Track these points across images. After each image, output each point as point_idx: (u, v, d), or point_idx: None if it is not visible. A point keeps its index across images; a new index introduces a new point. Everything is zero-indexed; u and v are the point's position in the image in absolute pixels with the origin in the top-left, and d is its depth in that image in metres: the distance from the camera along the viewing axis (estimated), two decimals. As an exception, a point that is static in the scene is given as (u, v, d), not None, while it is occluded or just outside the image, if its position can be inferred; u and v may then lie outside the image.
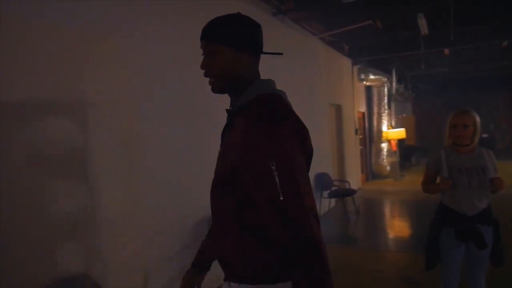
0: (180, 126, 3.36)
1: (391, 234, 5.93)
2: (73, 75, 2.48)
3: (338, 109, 8.19)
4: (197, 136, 3.56)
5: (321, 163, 6.76)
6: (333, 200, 7.01)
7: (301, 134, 1.15)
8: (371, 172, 10.47)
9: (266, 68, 5.26)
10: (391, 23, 7.14)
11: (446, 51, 8.84)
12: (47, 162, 2.31)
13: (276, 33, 5.48)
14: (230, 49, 1.19)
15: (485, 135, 16.88)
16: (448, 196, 2.57)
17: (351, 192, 6.61)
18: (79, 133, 2.53)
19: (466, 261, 2.57)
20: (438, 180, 2.63)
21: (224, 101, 1.35)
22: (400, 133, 10.39)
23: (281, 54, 1.33)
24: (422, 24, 6.30)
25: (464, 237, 2.47)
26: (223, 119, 1.34)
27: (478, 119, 2.55)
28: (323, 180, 6.49)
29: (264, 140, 1.06)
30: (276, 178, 1.02)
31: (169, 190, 3.20)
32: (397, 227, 6.40)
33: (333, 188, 6.59)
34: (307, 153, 1.20)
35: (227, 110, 1.29)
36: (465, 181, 2.48)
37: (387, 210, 7.76)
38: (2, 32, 2.08)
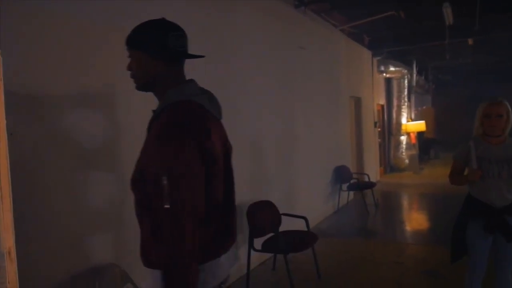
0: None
1: (410, 227, 5.90)
2: (103, 68, 2.53)
3: (358, 101, 8.11)
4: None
5: (340, 156, 6.74)
6: (351, 193, 6.99)
7: (203, 145, 1.23)
8: (389, 165, 10.38)
9: (288, 60, 5.23)
10: (415, 13, 6.99)
11: (470, 41, 8.62)
12: (80, 155, 2.37)
13: (298, 25, 5.44)
14: (142, 54, 1.31)
15: (507, 128, 16.48)
16: (476, 188, 2.54)
17: (370, 185, 6.58)
18: (109, 126, 2.58)
19: (493, 254, 2.55)
20: (466, 171, 2.61)
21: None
22: (420, 125, 10.24)
23: (203, 56, 1.41)
24: (448, 13, 6.16)
25: (492, 229, 2.45)
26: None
27: (510, 109, 2.51)
28: (342, 173, 6.47)
29: (163, 151, 1.18)
30: (166, 188, 1.14)
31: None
32: (416, 219, 6.36)
33: (352, 181, 6.56)
34: (213, 159, 1.27)
35: (153, 111, 1.39)
36: (495, 172, 2.45)
37: (406, 203, 7.70)
38: (37, 28, 2.13)
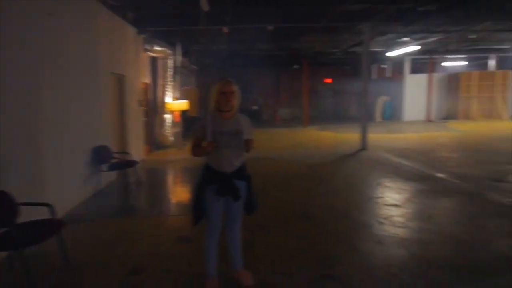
0: None
1: (172, 200, 6.26)
2: None
3: (121, 79, 7.87)
4: None
5: (99, 135, 6.42)
6: (114, 173, 6.81)
7: None
8: (155, 142, 10.63)
9: (34, 28, 4.55)
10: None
11: (225, 29, 9.61)
12: None
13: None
14: None
15: (255, 107, 19.60)
16: (212, 158, 2.88)
17: (132, 163, 6.57)
18: None
19: (225, 212, 2.98)
20: (204, 143, 2.89)
21: None
22: (183, 104, 10.86)
23: None
24: (203, 1, 6.63)
25: (223, 192, 2.84)
26: None
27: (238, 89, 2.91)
28: (102, 153, 6.20)
29: None
30: None
31: None
32: (177, 192, 6.79)
33: (113, 161, 6.39)
34: None
35: None
36: (225, 143, 2.82)
37: (169, 178, 8.10)
38: None
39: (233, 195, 2.85)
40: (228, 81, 2.89)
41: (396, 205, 5.26)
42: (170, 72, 10.54)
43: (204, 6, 7.02)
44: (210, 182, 2.86)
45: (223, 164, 2.84)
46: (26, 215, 3.35)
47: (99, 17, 6.67)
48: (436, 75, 18.84)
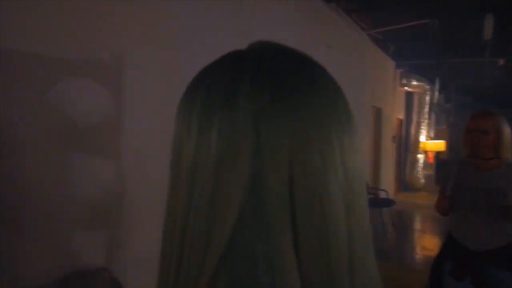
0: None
1: (418, 251, 5.46)
2: (109, 34, 2.10)
3: (379, 112, 7.64)
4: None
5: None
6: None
7: None
8: (404, 183, 9.86)
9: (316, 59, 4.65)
10: (451, 23, 6.52)
11: (501, 61, 8.17)
12: (67, 136, 1.91)
13: (327, 23, 5.03)
14: None
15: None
16: (453, 222, 2.06)
17: (389, 203, 6.06)
18: (109, 100, 2.14)
19: None
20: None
21: None
22: (439, 145, 9.75)
23: None
24: (488, 27, 5.66)
25: (459, 275, 1.93)
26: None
27: (506, 126, 1.93)
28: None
29: None
30: None
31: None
32: (425, 243, 5.88)
33: (368, 196, 6.07)
34: None
35: None
36: (470, 203, 1.93)
37: (417, 224, 7.25)
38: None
39: (476, 284, 1.89)
40: (479, 114, 1.97)
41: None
42: (426, 109, 9.70)
43: (488, 34, 6.01)
44: (447, 256, 2.03)
45: (466, 234, 1.95)
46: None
47: (366, 49, 6.67)
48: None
